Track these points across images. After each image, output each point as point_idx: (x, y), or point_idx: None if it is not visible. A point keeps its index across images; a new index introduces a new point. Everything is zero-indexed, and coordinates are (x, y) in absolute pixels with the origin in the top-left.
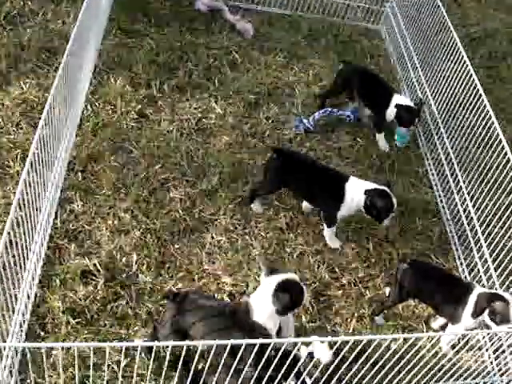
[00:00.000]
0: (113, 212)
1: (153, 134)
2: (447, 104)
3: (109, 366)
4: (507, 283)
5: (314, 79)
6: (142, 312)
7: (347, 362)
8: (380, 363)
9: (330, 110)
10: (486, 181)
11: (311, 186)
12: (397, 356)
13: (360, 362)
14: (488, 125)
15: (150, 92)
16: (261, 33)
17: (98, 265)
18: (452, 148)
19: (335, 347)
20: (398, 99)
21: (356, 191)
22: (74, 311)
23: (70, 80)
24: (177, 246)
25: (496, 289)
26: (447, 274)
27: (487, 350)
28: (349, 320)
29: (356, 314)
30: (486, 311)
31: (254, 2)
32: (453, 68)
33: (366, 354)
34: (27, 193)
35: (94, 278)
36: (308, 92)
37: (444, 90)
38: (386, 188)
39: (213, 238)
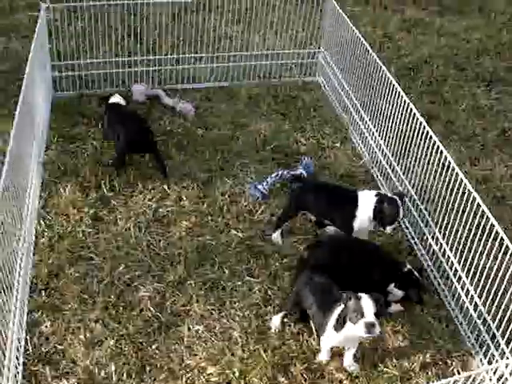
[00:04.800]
0: (83, 325)
1: (110, 235)
2: (396, 142)
3: None
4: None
5: (263, 143)
6: None
7: None
8: None
9: (280, 171)
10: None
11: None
12: None
13: None
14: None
15: (101, 193)
16: (202, 109)
17: None
18: (410, 185)
19: None
20: None
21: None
22: None
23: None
24: (154, 347)
25: None
26: None
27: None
28: None
29: None
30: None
31: (190, 82)
32: (392, 103)
33: None
34: None
35: None
36: (260, 157)
37: (388, 127)
38: (396, 197)
39: (189, 329)
